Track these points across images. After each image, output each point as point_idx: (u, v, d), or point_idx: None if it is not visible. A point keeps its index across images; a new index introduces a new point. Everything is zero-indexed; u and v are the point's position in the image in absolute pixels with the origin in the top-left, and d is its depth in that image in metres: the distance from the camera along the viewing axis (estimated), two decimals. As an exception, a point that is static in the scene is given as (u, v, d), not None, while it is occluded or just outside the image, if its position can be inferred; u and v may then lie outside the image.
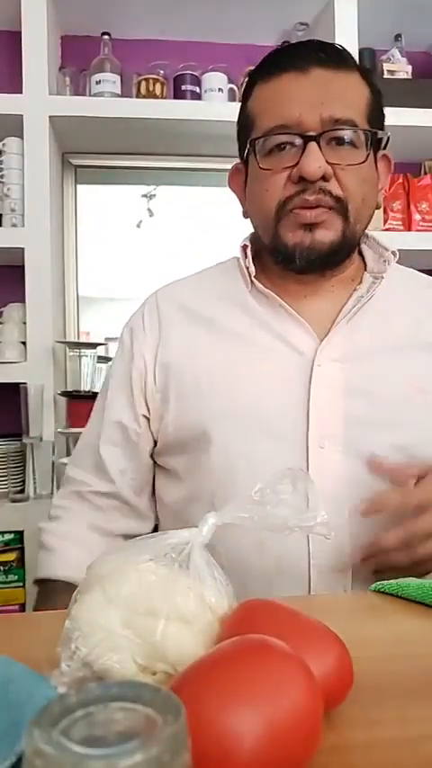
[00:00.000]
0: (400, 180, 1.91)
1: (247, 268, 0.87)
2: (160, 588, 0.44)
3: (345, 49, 0.82)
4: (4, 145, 1.72)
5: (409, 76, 1.91)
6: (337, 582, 0.76)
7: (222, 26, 1.89)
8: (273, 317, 0.84)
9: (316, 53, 0.79)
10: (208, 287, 0.91)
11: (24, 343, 1.70)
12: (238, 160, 0.90)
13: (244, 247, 0.88)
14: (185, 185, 2.00)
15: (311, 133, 0.77)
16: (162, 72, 1.83)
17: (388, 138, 0.85)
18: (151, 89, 1.79)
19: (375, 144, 0.83)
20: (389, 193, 1.88)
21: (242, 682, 0.34)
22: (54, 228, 1.75)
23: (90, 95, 1.78)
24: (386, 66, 1.89)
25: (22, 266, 1.68)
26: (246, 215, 0.89)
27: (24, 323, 1.70)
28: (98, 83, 1.77)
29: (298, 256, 0.80)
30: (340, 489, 0.77)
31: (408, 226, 1.89)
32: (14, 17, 1.75)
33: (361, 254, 0.90)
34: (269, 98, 0.81)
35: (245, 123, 0.85)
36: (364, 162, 0.79)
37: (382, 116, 0.85)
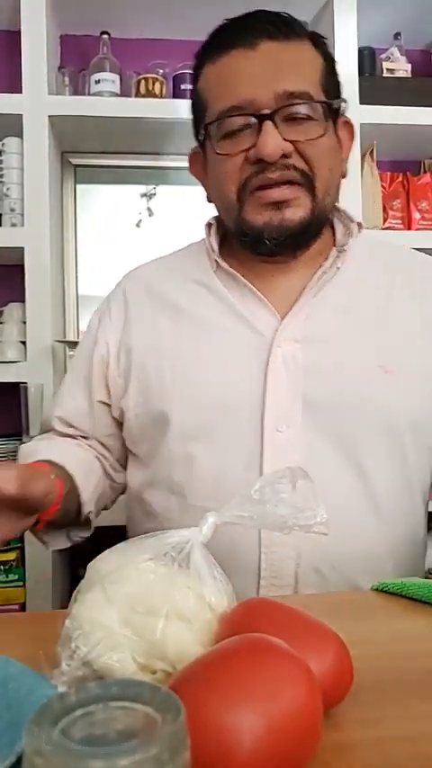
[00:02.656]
0: (400, 178, 1.90)
1: (212, 247, 0.85)
2: (160, 587, 0.44)
3: (293, 18, 0.79)
4: (3, 144, 1.71)
5: (409, 75, 1.90)
6: (290, 570, 0.74)
7: (221, 25, 1.89)
8: (237, 297, 0.83)
9: (263, 26, 0.76)
10: (175, 269, 0.90)
11: (24, 343, 1.70)
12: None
13: (208, 225, 0.86)
14: (185, 185, 1.99)
15: (266, 111, 0.74)
16: (161, 71, 1.83)
17: (345, 106, 0.83)
18: (151, 88, 1.79)
19: (336, 113, 0.81)
20: (388, 192, 1.88)
21: (242, 680, 0.34)
22: (54, 228, 1.75)
23: (89, 95, 1.78)
24: (385, 65, 1.89)
25: (22, 266, 1.68)
26: (209, 199, 0.87)
27: (24, 322, 1.70)
28: (97, 82, 1.77)
29: (267, 237, 0.78)
30: None
31: (407, 224, 1.88)
32: (13, 17, 1.75)
33: (332, 226, 0.88)
34: (219, 78, 0.78)
35: (197, 106, 0.82)
36: (323, 135, 0.77)
37: (338, 83, 0.82)
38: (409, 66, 1.91)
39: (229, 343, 0.81)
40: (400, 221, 1.88)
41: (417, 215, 1.88)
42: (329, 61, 0.81)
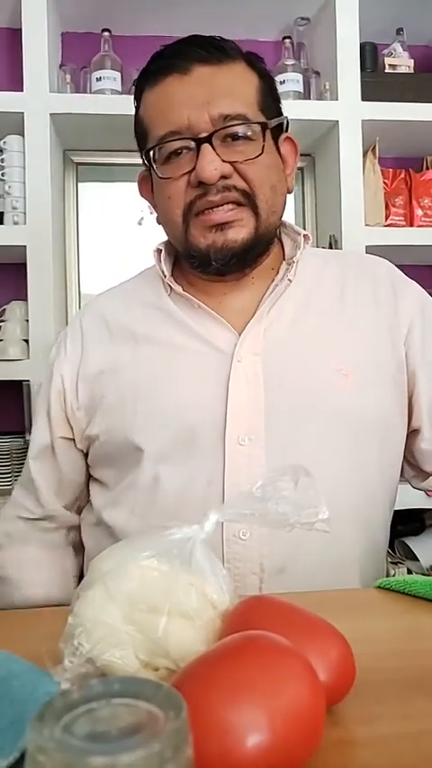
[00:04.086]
0: (402, 175, 1.90)
1: (163, 272, 0.86)
2: (162, 584, 0.44)
3: (226, 41, 0.81)
4: (5, 143, 1.71)
5: (411, 71, 1.89)
6: (254, 584, 0.74)
7: (223, 22, 1.88)
8: (192, 318, 0.84)
9: (196, 51, 0.78)
10: (131, 296, 0.91)
11: (27, 341, 1.70)
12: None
13: (158, 251, 0.87)
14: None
15: (203, 135, 0.76)
16: (163, 68, 1.82)
17: (288, 122, 0.84)
18: (152, 85, 1.78)
19: (277, 130, 0.82)
20: (391, 188, 1.87)
21: (244, 678, 0.34)
22: (56, 226, 1.75)
23: (91, 92, 1.78)
24: (388, 61, 1.88)
25: (24, 264, 1.68)
26: (159, 221, 0.88)
27: (27, 320, 1.70)
28: (99, 80, 1.76)
29: (213, 258, 0.79)
30: None
31: (410, 221, 1.88)
32: (15, 14, 1.75)
33: (281, 241, 0.89)
34: (156, 105, 0.80)
35: (141, 132, 0.84)
36: (261, 154, 0.78)
37: (277, 100, 0.84)
38: (412, 61, 1.90)
39: (188, 363, 0.82)
40: (402, 218, 1.87)
41: (419, 211, 1.87)
42: (266, 81, 0.82)
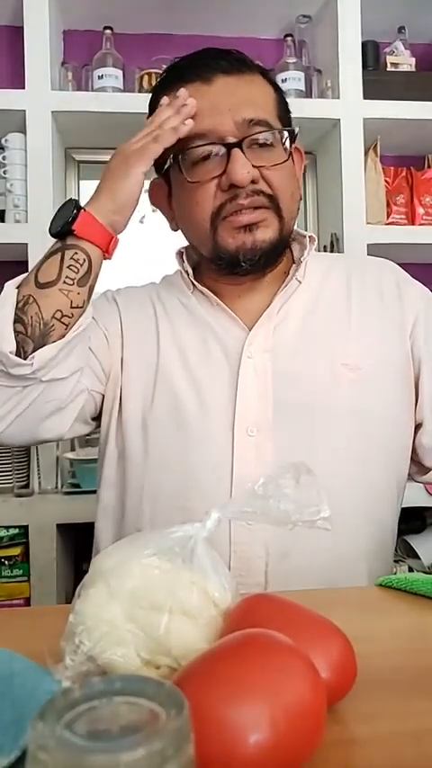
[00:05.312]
0: (404, 173, 1.90)
1: (186, 272, 0.89)
2: (164, 583, 0.44)
3: (242, 54, 0.85)
4: (6, 141, 1.71)
5: (413, 69, 1.89)
6: (259, 569, 0.76)
7: (225, 19, 1.88)
8: (210, 315, 0.87)
9: (217, 62, 0.82)
10: (158, 291, 0.94)
11: (28, 339, 1.70)
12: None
13: (180, 254, 0.91)
14: (188, 180, 1.98)
15: (232, 140, 0.79)
16: (164, 66, 1.82)
17: (297, 132, 0.88)
18: (154, 83, 1.78)
19: (291, 140, 0.85)
20: (392, 187, 1.87)
21: (246, 676, 0.34)
22: (57, 224, 1.75)
23: (92, 90, 1.78)
24: (390, 59, 1.88)
25: (26, 262, 1.68)
26: (175, 229, 0.91)
27: (28, 319, 1.70)
28: (100, 77, 1.76)
29: (242, 259, 0.81)
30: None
31: (411, 220, 1.88)
32: (16, 12, 1.75)
33: (290, 246, 0.93)
34: None
35: None
36: (287, 160, 0.82)
37: (289, 112, 0.88)
38: (414, 60, 1.89)
39: (201, 357, 0.85)
40: (403, 216, 1.87)
41: (420, 210, 1.87)
42: (280, 94, 0.87)
